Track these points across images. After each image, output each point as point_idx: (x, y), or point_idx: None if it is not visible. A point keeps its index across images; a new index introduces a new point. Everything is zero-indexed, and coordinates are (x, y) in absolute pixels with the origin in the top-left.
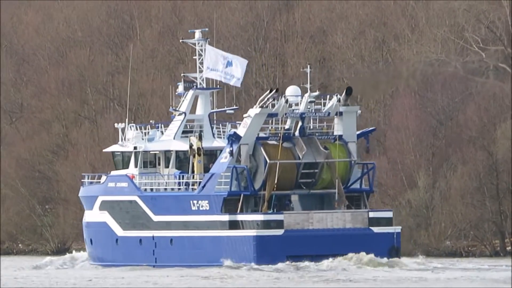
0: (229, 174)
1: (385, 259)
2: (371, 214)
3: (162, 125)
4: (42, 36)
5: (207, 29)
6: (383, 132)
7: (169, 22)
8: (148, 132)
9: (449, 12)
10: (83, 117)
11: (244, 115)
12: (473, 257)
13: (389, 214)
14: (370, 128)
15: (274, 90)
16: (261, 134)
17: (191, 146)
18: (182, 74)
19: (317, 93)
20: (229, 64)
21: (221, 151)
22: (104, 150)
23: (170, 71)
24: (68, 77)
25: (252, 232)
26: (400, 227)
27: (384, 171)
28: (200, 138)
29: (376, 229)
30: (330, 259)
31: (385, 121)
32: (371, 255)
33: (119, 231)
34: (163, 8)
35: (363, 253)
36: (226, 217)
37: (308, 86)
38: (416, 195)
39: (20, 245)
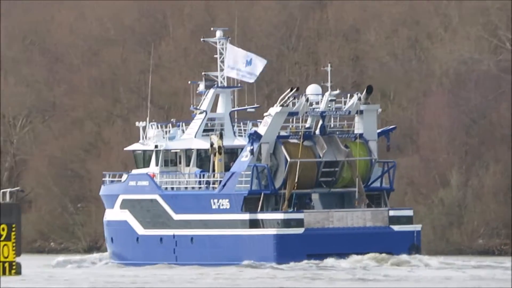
0: (250, 173)
1: (405, 257)
2: (391, 213)
3: (183, 124)
4: (75, 35)
5: (227, 28)
6: (415, 130)
7: (201, 21)
8: (169, 131)
9: (482, 11)
10: (115, 115)
11: (265, 114)
12: (506, 255)
13: (409, 213)
14: (391, 127)
15: (295, 89)
16: (282, 133)
17: (212, 144)
18: (202, 73)
19: (337, 91)
20: (248, 63)
21: (242, 149)
22: (125, 149)
23: (203, 69)
24: (101, 75)
25: (272, 231)
26: (421, 225)
27: (417, 170)
28: (221, 136)
29: (396, 228)
30: (350, 257)
31: (418, 119)
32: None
33: (139, 230)
34: (195, 6)
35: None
36: (246, 216)
37: (328, 84)
38: (449, 194)
39: (52, 243)
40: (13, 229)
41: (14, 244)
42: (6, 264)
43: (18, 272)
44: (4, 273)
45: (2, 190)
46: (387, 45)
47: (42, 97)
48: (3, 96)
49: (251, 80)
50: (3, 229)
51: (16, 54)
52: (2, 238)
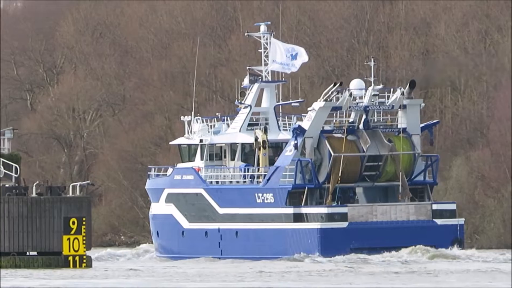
0: (294, 167)
1: (449, 251)
2: (435, 206)
3: (228, 118)
4: (145, 28)
5: (269, 22)
6: (486, 124)
7: (271, 14)
8: (214, 125)
9: None
10: (186, 109)
11: (309, 109)
12: None
13: (452, 206)
14: (434, 121)
15: (338, 84)
16: (326, 127)
17: (256, 139)
18: (247, 68)
19: (380, 86)
20: (293, 57)
21: (286, 143)
22: (170, 143)
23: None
24: (171, 69)
25: (316, 225)
26: (463, 219)
27: (487, 164)
28: (265, 131)
29: (439, 221)
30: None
31: (488, 113)
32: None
33: (185, 224)
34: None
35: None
36: (290, 210)
37: (372, 79)
38: None
39: (122, 237)
40: (84, 223)
41: (84, 238)
42: (77, 258)
43: (89, 265)
44: (74, 266)
45: (72, 184)
46: (458, 39)
47: (112, 90)
48: (74, 90)
49: (289, 71)
50: (73, 223)
51: (86, 47)
52: (72, 232)
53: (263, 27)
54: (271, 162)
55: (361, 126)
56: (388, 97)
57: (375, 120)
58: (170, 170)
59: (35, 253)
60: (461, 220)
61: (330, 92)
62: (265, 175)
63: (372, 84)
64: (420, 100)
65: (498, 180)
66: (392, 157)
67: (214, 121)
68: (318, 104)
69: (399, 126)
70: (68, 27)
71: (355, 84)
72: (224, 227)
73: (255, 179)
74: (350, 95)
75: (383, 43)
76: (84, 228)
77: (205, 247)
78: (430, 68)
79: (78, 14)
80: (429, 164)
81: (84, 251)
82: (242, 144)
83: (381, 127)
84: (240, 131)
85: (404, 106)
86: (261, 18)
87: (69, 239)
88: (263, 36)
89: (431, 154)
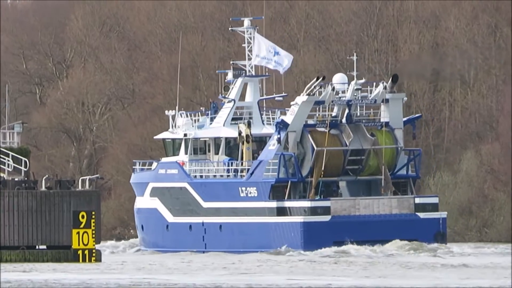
0: (277, 161)
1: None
2: (417, 200)
3: (212, 112)
4: (154, 22)
5: (262, 17)
6: (495, 118)
7: (280, 8)
8: (198, 119)
9: None
10: (195, 103)
11: (292, 103)
12: None
13: (435, 200)
14: (416, 115)
15: (321, 78)
16: (309, 122)
17: (240, 133)
18: (231, 62)
19: (363, 80)
20: (276, 53)
21: (270, 137)
22: (155, 137)
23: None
24: (180, 62)
25: (299, 219)
26: (446, 212)
27: (497, 157)
28: (249, 125)
29: (422, 215)
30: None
31: (497, 107)
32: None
33: (169, 217)
34: None
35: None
36: (274, 204)
37: (354, 73)
38: None
39: (131, 230)
40: (93, 216)
41: (93, 232)
42: (86, 251)
43: (98, 259)
44: (84, 260)
45: (81, 178)
46: (467, 32)
47: (121, 84)
48: (83, 84)
49: (282, 71)
50: (82, 217)
51: (95, 41)
52: (82, 226)
53: (246, 22)
54: (255, 156)
55: (344, 120)
56: (371, 91)
57: (358, 114)
58: (154, 164)
59: (44, 247)
60: (443, 214)
61: (313, 87)
62: (248, 169)
63: (355, 78)
64: (402, 94)
65: (507, 174)
66: (374, 151)
67: (198, 115)
68: (301, 98)
69: (381, 120)
70: (78, 21)
71: (338, 78)
72: (208, 221)
73: (239, 173)
74: (333, 89)
75: (392, 36)
76: (93, 222)
77: (189, 241)
78: (439, 62)
79: (87, 8)
80: (412, 158)
81: (94, 245)
82: (226, 138)
83: (363, 121)
84: (224, 125)
85: (387, 100)
86: (270, 11)
87: (78, 233)
88: (247, 31)
89: (413, 148)
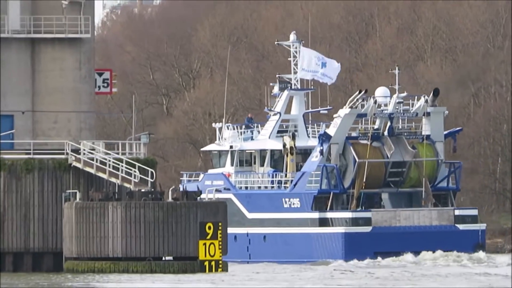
0: (319, 172)
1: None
2: (457, 212)
3: (258, 125)
4: (282, 33)
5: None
6: None
7: (407, 18)
8: (245, 132)
9: None
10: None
11: (334, 115)
12: None
13: (474, 212)
14: (457, 128)
15: (364, 91)
16: (351, 134)
17: (284, 145)
18: (277, 75)
19: (405, 94)
20: (323, 65)
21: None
22: (202, 149)
23: (409, 68)
24: None
25: (341, 229)
26: (485, 224)
27: None
28: (293, 137)
29: (461, 227)
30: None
31: None
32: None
33: None
34: (402, 4)
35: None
36: (316, 215)
37: (396, 87)
38: None
39: None
40: (220, 228)
41: (220, 243)
42: (213, 263)
43: (225, 270)
44: (210, 271)
45: (208, 188)
46: None
47: (248, 95)
48: (210, 95)
49: (329, 82)
50: (209, 228)
51: (222, 52)
52: (208, 237)
53: (292, 36)
54: (300, 168)
55: (385, 132)
56: (413, 104)
57: (400, 127)
58: (201, 175)
59: (170, 258)
60: (482, 226)
61: (355, 100)
62: (292, 181)
63: (397, 92)
64: (443, 108)
65: None
66: (415, 164)
67: (244, 128)
68: (344, 111)
69: (423, 133)
70: (205, 31)
71: (380, 91)
72: (253, 232)
73: (283, 185)
74: (375, 102)
75: None
76: (220, 233)
77: (234, 251)
78: None
79: (214, 19)
80: (452, 171)
81: (220, 256)
82: (271, 151)
83: (405, 134)
84: (269, 137)
85: (428, 114)
86: (397, 22)
87: (205, 244)
88: (293, 45)
89: (454, 161)
